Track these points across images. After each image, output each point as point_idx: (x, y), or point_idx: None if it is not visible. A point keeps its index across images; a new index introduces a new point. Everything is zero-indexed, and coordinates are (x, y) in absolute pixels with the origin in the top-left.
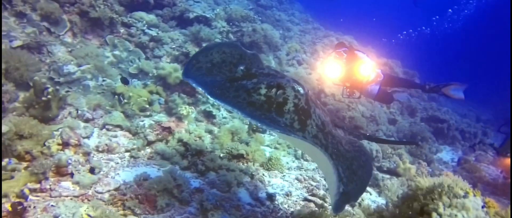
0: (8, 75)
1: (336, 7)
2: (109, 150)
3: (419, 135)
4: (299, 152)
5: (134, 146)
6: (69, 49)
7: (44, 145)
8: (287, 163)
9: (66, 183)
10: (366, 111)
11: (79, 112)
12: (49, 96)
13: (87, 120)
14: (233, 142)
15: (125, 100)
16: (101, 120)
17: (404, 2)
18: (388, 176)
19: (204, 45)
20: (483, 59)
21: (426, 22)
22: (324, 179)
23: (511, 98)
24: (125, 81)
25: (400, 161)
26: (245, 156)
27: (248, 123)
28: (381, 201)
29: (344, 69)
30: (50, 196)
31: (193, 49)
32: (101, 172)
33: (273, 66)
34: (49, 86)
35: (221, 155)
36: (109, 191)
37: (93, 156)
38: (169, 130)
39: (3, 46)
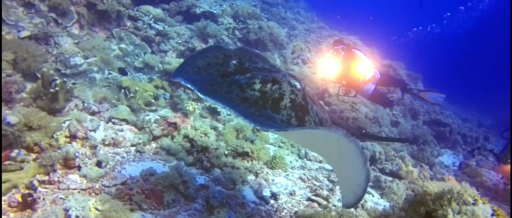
0: (16, 65)
1: (342, 7)
2: (115, 144)
3: (421, 138)
4: (303, 151)
5: (140, 141)
6: (76, 41)
7: (52, 137)
8: (291, 162)
9: (74, 176)
10: (369, 112)
11: (85, 104)
12: (56, 88)
13: (93, 113)
14: (238, 140)
15: (131, 94)
16: (107, 114)
17: (410, 3)
18: (390, 178)
19: (210, 41)
20: (490, 59)
21: (437, 20)
22: (327, 179)
23: (511, 103)
24: (123, 72)
25: (402, 163)
26: (250, 154)
27: None
28: (384, 203)
29: (341, 66)
30: (58, 188)
31: (199, 45)
32: (108, 166)
33: (278, 64)
34: (56, 78)
35: (226, 152)
36: (115, 185)
37: (99, 150)
38: (174, 126)
39: (11, 36)
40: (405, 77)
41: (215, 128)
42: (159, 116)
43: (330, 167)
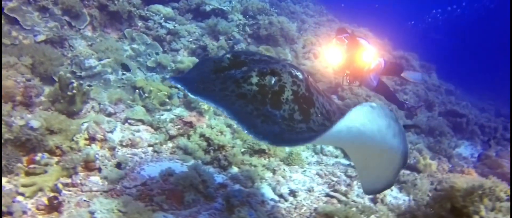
0: (34, 69)
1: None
2: (132, 144)
3: (437, 129)
4: (318, 146)
5: (157, 141)
6: (90, 43)
7: (73, 140)
8: (307, 157)
9: (95, 178)
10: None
11: (102, 106)
12: (74, 91)
13: (109, 115)
14: None
15: (146, 94)
16: (123, 114)
17: None
18: (408, 172)
19: (221, 38)
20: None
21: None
22: (345, 174)
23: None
24: (126, 68)
25: (420, 156)
26: (266, 151)
27: None
28: (403, 197)
29: (345, 55)
30: (81, 191)
31: (210, 42)
32: (127, 167)
33: (290, 59)
34: (73, 81)
35: (243, 150)
36: (136, 186)
37: (118, 151)
38: (190, 125)
39: (28, 41)
40: (418, 68)
41: (230, 126)
42: (174, 115)
43: (346, 162)
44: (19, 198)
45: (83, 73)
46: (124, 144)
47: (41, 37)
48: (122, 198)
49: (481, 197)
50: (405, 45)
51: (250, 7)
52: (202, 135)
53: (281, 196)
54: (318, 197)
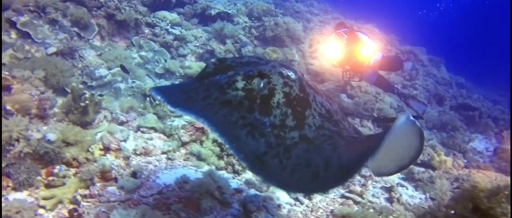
0: (46, 81)
1: None
2: (146, 153)
3: (449, 124)
4: None
5: (170, 148)
6: (99, 53)
7: (88, 150)
8: None
9: (112, 188)
10: (394, 102)
11: (113, 115)
12: (87, 102)
13: (121, 123)
14: None
15: (156, 102)
16: (135, 123)
17: None
18: (423, 169)
19: (228, 41)
20: None
21: None
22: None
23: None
24: (125, 70)
25: (434, 153)
26: None
27: None
28: (419, 196)
29: (344, 50)
30: (99, 202)
31: (217, 46)
32: (142, 176)
33: (297, 59)
34: (86, 91)
35: None
36: (152, 195)
37: (132, 160)
38: (202, 131)
39: (39, 54)
40: (427, 62)
41: None
42: (186, 121)
43: None
44: (41, 211)
45: (94, 83)
46: (138, 152)
47: (52, 50)
48: (140, 208)
49: (507, 198)
50: (413, 39)
51: (255, 9)
52: (214, 141)
53: (297, 199)
54: (334, 198)
